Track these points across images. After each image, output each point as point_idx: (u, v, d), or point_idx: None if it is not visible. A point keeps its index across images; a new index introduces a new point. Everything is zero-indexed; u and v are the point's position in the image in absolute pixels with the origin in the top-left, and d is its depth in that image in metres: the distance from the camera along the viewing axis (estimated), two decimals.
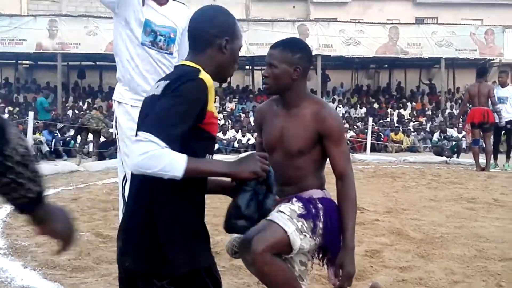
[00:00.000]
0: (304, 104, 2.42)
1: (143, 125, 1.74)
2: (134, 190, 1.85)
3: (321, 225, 2.30)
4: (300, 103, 2.43)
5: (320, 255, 2.46)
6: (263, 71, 2.44)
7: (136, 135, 1.72)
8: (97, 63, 23.35)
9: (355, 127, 17.50)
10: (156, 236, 1.77)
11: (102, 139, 12.52)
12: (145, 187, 1.79)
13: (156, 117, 1.70)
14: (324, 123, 2.35)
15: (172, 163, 1.64)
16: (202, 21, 1.95)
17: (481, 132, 9.97)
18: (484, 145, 10.17)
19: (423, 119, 20.08)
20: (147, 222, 1.78)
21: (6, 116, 16.54)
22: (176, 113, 1.71)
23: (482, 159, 10.23)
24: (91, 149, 12.92)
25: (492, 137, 10.15)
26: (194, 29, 1.95)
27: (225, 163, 1.83)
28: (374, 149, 15.44)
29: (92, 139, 12.69)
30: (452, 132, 14.61)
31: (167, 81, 1.83)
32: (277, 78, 2.38)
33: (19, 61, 23.43)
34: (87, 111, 18.33)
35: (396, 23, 22.68)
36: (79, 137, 12.50)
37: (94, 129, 12.05)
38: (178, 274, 1.78)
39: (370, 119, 15.66)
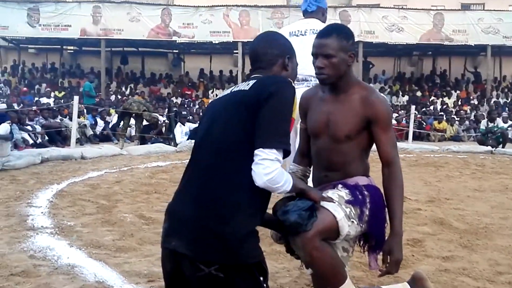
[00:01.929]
0: (352, 89, 2.40)
1: (262, 138, 1.90)
2: (215, 184, 1.92)
3: (367, 212, 2.28)
4: (348, 89, 2.40)
5: (362, 242, 2.45)
6: (316, 63, 2.37)
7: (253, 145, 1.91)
8: (139, 49, 23.68)
9: (396, 115, 17.20)
10: (235, 226, 1.86)
11: (145, 122, 12.70)
12: (231, 184, 1.91)
13: (274, 131, 1.91)
14: (372, 108, 2.32)
15: (287, 180, 1.95)
16: (266, 44, 2.22)
17: None
18: None
19: (467, 108, 19.58)
20: (229, 212, 1.87)
21: (52, 100, 17.01)
22: (286, 122, 1.95)
23: None
24: (133, 133, 13.14)
25: None
26: (259, 52, 2.21)
27: (305, 184, 2.28)
28: (416, 137, 15.17)
29: (134, 123, 12.89)
30: (498, 121, 14.20)
31: (256, 80, 2.06)
32: (336, 67, 2.35)
33: (64, 47, 23.97)
34: (129, 96, 18.65)
35: (441, 9, 22.09)
36: (121, 122, 12.72)
37: (136, 113, 12.22)
38: (249, 262, 1.89)
39: (413, 107, 15.35)
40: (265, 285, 1.94)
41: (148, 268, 3.17)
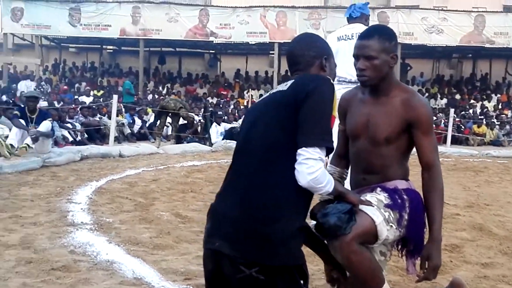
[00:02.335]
0: (393, 92, 2.38)
1: (304, 137, 1.91)
2: (256, 182, 1.94)
3: (406, 217, 2.25)
4: (389, 91, 2.38)
5: (399, 247, 2.42)
6: (358, 64, 2.36)
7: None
8: (177, 49, 23.93)
9: (435, 118, 16.88)
10: (278, 227, 1.88)
11: (181, 121, 12.81)
12: (273, 185, 1.92)
13: (316, 129, 1.92)
14: (414, 111, 2.30)
15: (330, 180, 1.95)
16: (303, 46, 2.23)
17: None
18: None
19: (508, 112, 19.08)
20: (272, 213, 1.89)
21: (91, 99, 17.35)
22: (327, 119, 1.95)
23: None
24: (169, 132, 13.29)
25: None
26: (296, 54, 2.22)
27: (343, 187, 2.25)
28: (454, 141, 14.88)
29: (171, 122, 13.02)
30: None
31: (294, 80, 2.06)
32: (378, 69, 2.33)
33: (103, 46, 24.42)
34: (166, 96, 18.85)
35: (482, 11, 21.57)
36: (158, 121, 12.87)
37: (173, 112, 12.33)
38: (291, 264, 1.90)
39: (452, 110, 15.05)
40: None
41: (185, 266, 3.21)
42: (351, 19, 4.73)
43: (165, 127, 12.97)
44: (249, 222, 1.87)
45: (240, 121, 12.85)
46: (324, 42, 2.29)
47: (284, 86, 2.07)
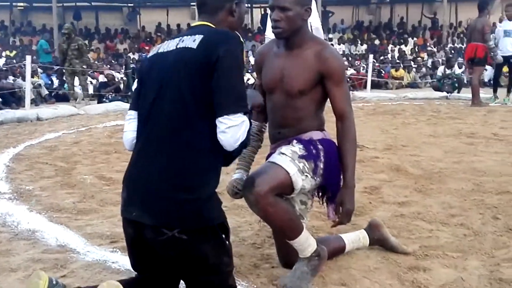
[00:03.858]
0: (306, 44, 2.40)
1: (223, 105, 1.86)
2: (171, 150, 1.89)
3: (321, 166, 2.32)
4: (303, 44, 2.40)
5: (320, 194, 2.51)
6: (272, 15, 2.34)
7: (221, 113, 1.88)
8: (92, 3, 22.89)
9: (355, 64, 17.31)
10: (198, 191, 1.87)
11: (101, 79, 12.33)
12: (190, 151, 1.88)
13: (233, 95, 1.87)
14: (326, 63, 2.33)
15: (247, 131, 1.91)
16: None
17: None
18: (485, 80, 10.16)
19: (424, 55, 19.84)
20: (190, 180, 1.87)
21: (3, 60, 16.41)
22: (242, 82, 1.95)
23: (483, 94, 10.20)
24: (91, 91, 12.81)
25: (492, 71, 10.08)
26: None
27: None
28: (374, 86, 15.35)
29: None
30: (455, 67, 14.48)
31: (203, 36, 1.94)
32: (292, 21, 2.33)
33: (13, 3, 22.93)
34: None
35: None
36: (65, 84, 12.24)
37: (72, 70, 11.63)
38: (212, 225, 1.91)
39: (371, 56, 15.46)
40: (227, 242, 1.98)
41: (111, 229, 3.18)
42: None
43: (75, 87, 12.26)
44: (165, 190, 1.85)
45: None
46: None
47: (192, 42, 1.93)
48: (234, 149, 1.89)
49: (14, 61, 16.34)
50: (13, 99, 11.44)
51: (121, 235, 3.00)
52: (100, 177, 4.56)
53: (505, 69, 10.44)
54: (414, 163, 4.88)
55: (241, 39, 1.97)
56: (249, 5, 23.85)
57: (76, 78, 11.97)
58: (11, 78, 12.52)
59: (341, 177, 2.39)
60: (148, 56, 2.16)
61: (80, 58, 11.55)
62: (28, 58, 10.71)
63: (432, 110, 9.60)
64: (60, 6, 22.14)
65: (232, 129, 1.84)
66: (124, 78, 13.08)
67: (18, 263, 2.68)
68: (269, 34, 3.81)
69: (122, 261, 2.65)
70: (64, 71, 11.81)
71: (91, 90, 12.91)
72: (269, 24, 6.54)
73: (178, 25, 23.33)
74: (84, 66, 11.71)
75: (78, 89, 12.27)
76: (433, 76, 16.26)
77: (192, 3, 21.19)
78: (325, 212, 2.57)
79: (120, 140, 6.52)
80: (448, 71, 13.96)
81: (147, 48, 21.08)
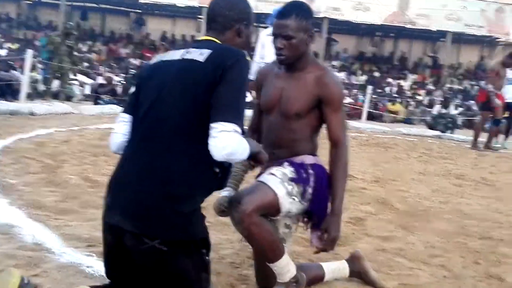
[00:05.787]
0: (308, 68, 2.41)
1: (219, 112, 1.83)
2: (163, 158, 1.87)
3: (310, 190, 2.32)
4: (304, 68, 2.42)
5: (306, 219, 2.49)
6: (276, 43, 2.36)
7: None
8: (101, 5, 22.97)
9: (355, 92, 17.43)
10: (183, 203, 1.84)
11: (100, 80, 12.32)
12: (180, 161, 1.85)
13: (232, 106, 1.85)
14: (325, 89, 2.35)
15: (244, 148, 1.86)
16: (225, 5, 2.11)
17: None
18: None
19: (422, 92, 20.01)
20: (177, 190, 1.84)
21: (4, 52, 16.38)
22: (243, 99, 1.90)
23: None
24: (87, 91, 12.80)
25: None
26: (216, 12, 2.11)
27: (257, 145, 2.11)
28: (370, 117, 15.42)
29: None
30: (451, 107, 14.61)
31: (212, 52, 1.93)
32: (295, 48, 2.35)
33: None
34: (86, 54, 18.14)
35: None
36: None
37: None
38: (195, 239, 1.88)
39: (370, 87, 15.57)
40: (207, 257, 1.95)
41: (90, 233, 3.13)
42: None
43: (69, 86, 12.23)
44: (151, 198, 1.82)
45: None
46: (248, 7, 2.18)
47: (198, 55, 1.92)
48: (222, 158, 1.82)
49: (15, 53, 16.31)
50: (9, 91, 11.39)
51: (99, 239, 2.95)
52: (86, 178, 4.51)
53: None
54: (401, 199, 4.88)
55: (248, 60, 1.98)
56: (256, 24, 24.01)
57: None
58: (13, 72, 12.44)
59: (329, 204, 2.38)
60: (150, 63, 2.14)
61: (71, 57, 11.64)
62: (29, 52, 10.69)
63: (424, 147, 9.63)
64: (69, 4, 22.21)
65: (222, 134, 1.80)
66: (123, 82, 13.07)
67: None
68: (268, 59, 3.82)
69: (97, 266, 2.60)
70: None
71: (87, 90, 12.88)
72: (265, 47, 6.54)
73: (183, 36, 23.45)
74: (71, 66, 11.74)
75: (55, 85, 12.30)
76: (427, 114, 16.39)
77: (199, 16, 21.32)
78: (307, 238, 2.56)
79: None
80: (443, 111, 14.07)
81: (149, 55, 21.11)
